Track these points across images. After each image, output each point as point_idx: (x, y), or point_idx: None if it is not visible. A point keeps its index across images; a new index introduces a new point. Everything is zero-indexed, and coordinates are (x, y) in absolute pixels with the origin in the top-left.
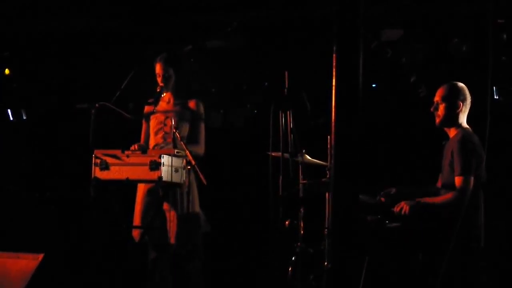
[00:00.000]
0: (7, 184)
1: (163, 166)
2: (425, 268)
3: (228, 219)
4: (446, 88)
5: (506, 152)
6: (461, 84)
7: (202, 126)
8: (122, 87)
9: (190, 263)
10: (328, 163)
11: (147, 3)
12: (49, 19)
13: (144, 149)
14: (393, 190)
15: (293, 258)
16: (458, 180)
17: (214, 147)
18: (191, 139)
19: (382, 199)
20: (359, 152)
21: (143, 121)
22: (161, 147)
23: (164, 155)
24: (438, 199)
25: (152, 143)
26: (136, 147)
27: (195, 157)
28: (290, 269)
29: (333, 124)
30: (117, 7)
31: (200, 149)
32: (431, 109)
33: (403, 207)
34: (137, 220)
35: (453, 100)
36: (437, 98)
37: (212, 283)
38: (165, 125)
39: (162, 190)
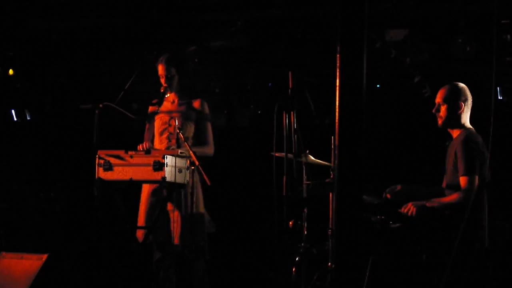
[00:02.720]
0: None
1: (166, 166)
2: (429, 269)
3: (232, 220)
4: (447, 89)
5: (510, 151)
6: (461, 85)
7: (209, 125)
8: (126, 87)
9: (195, 263)
10: (332, 164)
11: (150, 3)
12: (53, 20)
13: (147, 150)
14: (398, 187)
15: (297, 258)
16: (463, 181)
17: (218, 147)
18: (199, 140)
19: (388, 195)
20: (363, 153)
21: (146, 122)
22: (172, 149)
23: (167, 156)
24: (444, 200)
25: (157, 143)
26: (144, 146)
27: (200, 157)
28: (294, 269)
29: (336, 124)
30: (120, 7)
31: (210, 149)
32: (433, 111)
33: (410, 208)
34: (141, 220)
35: (454, 101)
36: (438, 99)
37: (217, 283)
38: (169, 125)
39: (166, 191)
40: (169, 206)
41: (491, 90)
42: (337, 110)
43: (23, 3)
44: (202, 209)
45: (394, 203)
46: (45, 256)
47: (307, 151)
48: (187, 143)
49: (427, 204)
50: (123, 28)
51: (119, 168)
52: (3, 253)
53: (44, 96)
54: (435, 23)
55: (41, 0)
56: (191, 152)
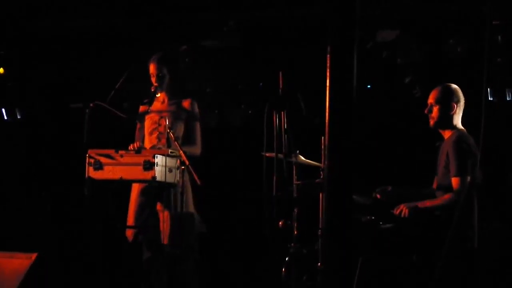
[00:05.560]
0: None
1: (156, 166)
2: (419, 269)
3: (222, 219)
4: (440, 90)
5: (500, 153)
6: (454, 86)
7: (198, 125)
8: (117, 86)
9: (185, 263)
10: (322, 164)
11: (142, 3)
12: (44, 19)
13: (138, 149)
14: (389, 188)
15: (287, 259)
16: (455, 181)
17: (209, 147)
18: (187, 139)
19: (378, 195)
20: (353, 153)
21: (137, 121)
22: (159, 148)
23: (158, 155)
24: (436, 202)
25: (147, 143)
26: (136, 146)
27: (189, 157)
28: (284, 269)
29: (326, 125)
30: (111, 7)
31: (197, 149)
32: (425, 111)
33: (403, 209)
34: (131, 220)
35: (447, 102)
36: (430, 100)
37: (207, 283)
38: (159, 125)
39: (155, 190)
40: (159, 206)
41: (482, 91)
42: (327, 110)
43: (14, 2)
44: (192, 208)
45: (384, 203)
46: (34, 255)
47: (298, 151)
48: (177, 143)
49: (419, 205)
50: (115, 28)
51: (109, 167)
52: None
53: (34, 95)
54: (426, 23)
55: None
56: (181, 151)
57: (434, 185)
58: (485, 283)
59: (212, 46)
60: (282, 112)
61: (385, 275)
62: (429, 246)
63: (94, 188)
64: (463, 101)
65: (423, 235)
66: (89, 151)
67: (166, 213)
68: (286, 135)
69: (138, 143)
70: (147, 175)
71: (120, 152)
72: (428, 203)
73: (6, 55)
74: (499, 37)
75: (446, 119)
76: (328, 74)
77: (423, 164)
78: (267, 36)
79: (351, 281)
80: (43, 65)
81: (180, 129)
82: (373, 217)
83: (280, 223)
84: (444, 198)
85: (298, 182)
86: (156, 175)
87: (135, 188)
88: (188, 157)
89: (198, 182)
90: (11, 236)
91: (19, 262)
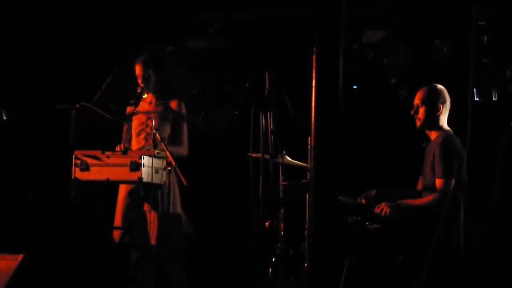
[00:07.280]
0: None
1: (143, 167)
2: (405, 269)
3: (209, 220)
4: (426, 91)
5: (486, 153)
6: (440, 86)
7: (185, 126)
8: (103, 88)
9: (172, 264)
10: (309, 165)
11: (128, 4)
12: (31, 20)
13: (124, 150)
14: (373, 192)
15: (273, 259)
16: (439, 182)
17: (195, 148)
18: (174, 140)
19: (363, 201)
20: (339, 154)
21: (124, 123)
22: (148, 149)
23: (144, 156)
24: (419, 201)
25: (134, 144)
26: (122, 147)
27: (176, 157)
28: (270, 270)
29: (313, 125)
30: (98, 8)
31: (184, 149)
32: (412, 112)
33: (384, 208)
34: (118, 221)
35: (433, 102)
36: (417, 101)
37: (194, 284)
38: (146, 126)
39: (142, 191)
40: (146, 207)
41: (468, 92)
42: (313, 111)
43: (2, 2)
44: (179, 209)
45: (370, 206)
46: (20, 257)
47: (284, 152)
48: (164, 144)
49: (401, 205)
50: (101, 28)
51: (96, 168)
52: None
53: (21, 96)
54: (412, 24)
55: None
56: (167, 152)
57: (419, 186)
58: (470, 283)
59: (198, 47)
60: (268, 113)
61: (372, 276)
62: (415, 246)
63: (80, 189)
64: (449, 102)
65: (409, 235)
66: (75, 152)
67: (153, 213)
68: (272, 136)
69: (125, 144)
70: (134, 176)
71: (107, 153)
72: (410, 203)
73: None
74: (485, 38)
75: (432, 120)
76: (314, 74)
77: (410, 165)
78: (253, 37)
79: (338, 282)
80: (29, 65)
81: (167, 130)
82: (359, 218)
83: (267, 223)
84: (427, 198)
85: (285, 183)
86: (142, 176)
87: (122, 189)
88: (174, 157)
89: (185, 182)
90: None
91: (5, 263)
